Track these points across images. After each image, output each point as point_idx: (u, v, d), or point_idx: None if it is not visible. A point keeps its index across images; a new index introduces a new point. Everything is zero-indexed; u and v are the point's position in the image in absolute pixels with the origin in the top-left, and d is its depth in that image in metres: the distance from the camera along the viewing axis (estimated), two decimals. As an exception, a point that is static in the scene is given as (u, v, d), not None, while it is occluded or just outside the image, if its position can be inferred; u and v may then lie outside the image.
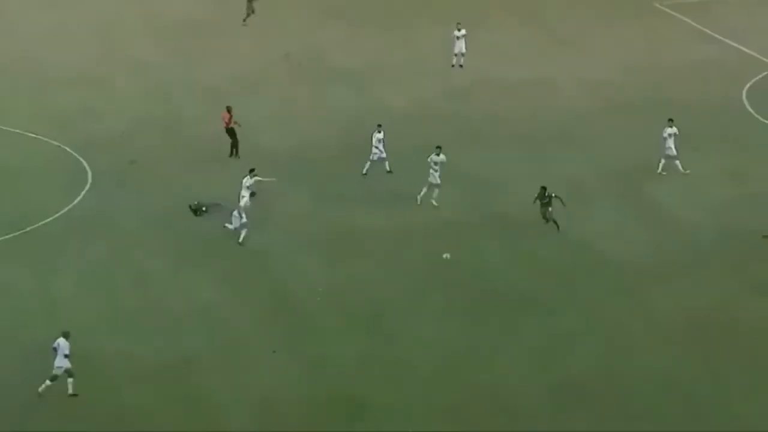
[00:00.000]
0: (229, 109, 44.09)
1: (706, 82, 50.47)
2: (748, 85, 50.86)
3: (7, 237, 38.37)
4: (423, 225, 38.61)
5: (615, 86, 51.51)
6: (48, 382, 30.54)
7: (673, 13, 61.14)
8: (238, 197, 38.50)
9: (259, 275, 36.58)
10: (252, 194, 38.36)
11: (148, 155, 44.81)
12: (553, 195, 37.90)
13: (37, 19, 61.29)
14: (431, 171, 40.16)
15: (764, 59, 53.97)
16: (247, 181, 38.65)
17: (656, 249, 37.61)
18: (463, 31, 53.33)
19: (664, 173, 42.54)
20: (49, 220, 39.45)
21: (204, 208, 40.03)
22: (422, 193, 40.51)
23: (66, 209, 40.23)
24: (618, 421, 29.43)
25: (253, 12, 60.30)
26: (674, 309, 34.43)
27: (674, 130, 42.40)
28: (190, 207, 40.01)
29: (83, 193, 41.46)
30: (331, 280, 36.03)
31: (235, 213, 38.34)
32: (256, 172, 38.92)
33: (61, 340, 30.78)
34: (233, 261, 37.39)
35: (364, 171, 42.98)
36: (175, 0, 64.52)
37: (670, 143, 42.39)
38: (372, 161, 42.96)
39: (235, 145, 44.06)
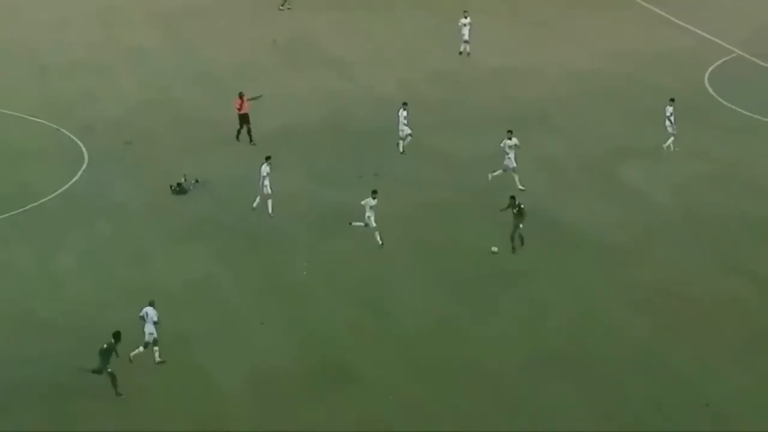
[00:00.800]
0: (241, 95, 43.32)
1: (673, 67, 50.48)
2: (710, 70, 50.97)
3: (6, 215, 38.19)
4: (408, 203, 38.51)
5: (590, 72, 51.46)
6: (140, 349, 30.62)
7: (648, 5, 60.89)
8: (260, 185, 38.07)
9: (251, 251, 36.52)
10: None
11: (143, 138, 44.64)
12: (521, 206, 36.02)
13: (39, 6, 60.78)
14: (505, 156, 39.79)
15: (726, 45, 54.09)
16: (265, 169, 38.19)
17: (627, 225, 37.73)
18: (469, 19, 52.84)
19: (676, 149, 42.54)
20: (46, 199, 39.32)
21: (195, 180, 39.96)
22: (495, 173, 40.16)
23: (63, 189, 40.07)
24: (593, 384, 29.58)
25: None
26: (644, 281, 34.61)
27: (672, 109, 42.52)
28: (171, 187, 39.86)
29: (80, 173, 41.29)
30: (321, 256, 35.92)
31: (258, 201, 38.17)
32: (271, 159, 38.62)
33: (149, 309, 30.96)
34: (225, 238, 37.28)
35: (401, 150, 42.64)
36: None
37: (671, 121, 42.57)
38: (402, 139, 42.80)
39: (249, 131, 43.28)
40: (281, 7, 60.43)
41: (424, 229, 37.41)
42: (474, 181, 40.41)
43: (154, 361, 30.83)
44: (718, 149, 43.22)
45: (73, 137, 44.19)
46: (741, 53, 53.17)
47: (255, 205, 38.49)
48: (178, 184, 39.98)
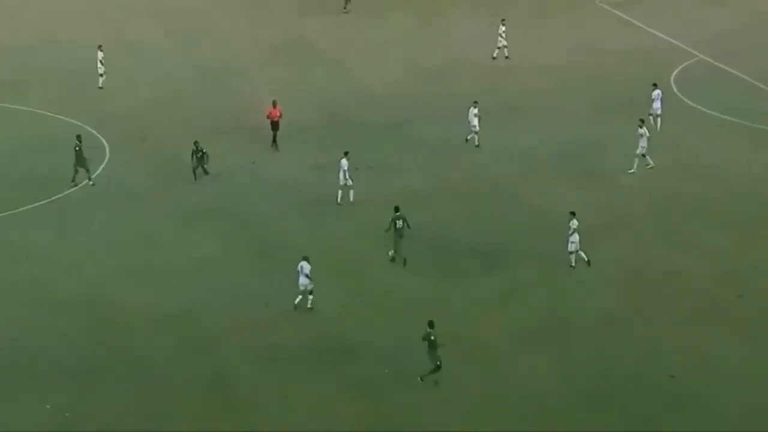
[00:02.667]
0: (275, 104, 42.31)
1: (640, 69, 50.01)
2: (675, 72, 50.63)
3: (37, 204, 37.97)
4: (396, 191, 38.04)
5: (561, 70, 51.15)
6: (300, 297, 31.45)
7: (611, 9, 60.70)
8: (339, 178, 37.66)
9: (253, 235, 36.17)
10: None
11: (156, 131, 44.33)
12: (404, 222, 34.32)
13: (54, 8, 60.68)
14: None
15: (690, 49, 53.72)
16: (345, 164, 37.65)
17: (599, 210, 37.43)
18: (504, 28, 52.19)
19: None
20: (73, 189, 39.03)
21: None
22: (469, 137, 40.57)
23: (86, 181, 39.50)
24: (567, 355, 29.43)
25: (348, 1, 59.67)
26: (614, 261, 34.40)
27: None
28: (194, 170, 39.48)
29: (102, 165, 40.98)
30: (318, 239, 35.66)
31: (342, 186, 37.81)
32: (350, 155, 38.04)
33: (304, 263, 31.41)
34: (231, 223, 36.96)
35: (476, 144, 42.15)
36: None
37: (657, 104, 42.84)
38: (473, 134, 42.27)
39: (275, 137, 42.21)
40: (345, 10, 59.87)
41: (412, 213, 36.66)
42: (456, 169, 40.23)
43: (309, 306, 31.57)
44: (682, 143, 42.89)
45: (95, 132, 43.81)
46: (703, 57, 52.85)
47: (339, 200, 37.81)
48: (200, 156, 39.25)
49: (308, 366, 29.23)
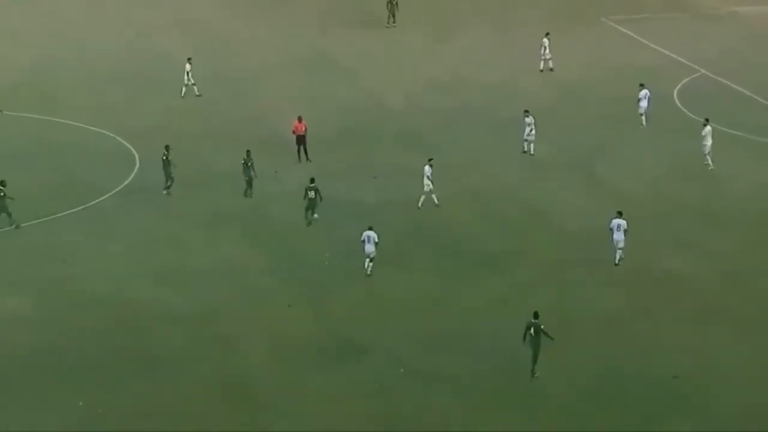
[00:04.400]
0: (300, 119, 42.02)
1: (645, 83, 49.25)
2: (678, 86, 50.29)
3: (73, 210, 38.10)
4: (406, 196, 37.87)
5: (569, 83, 50.81)
6: (367, 261, 32.83)
7: (617, 26, 60.35)
8: (424, 182, 37.58)
9: (274, 238, 36.11)
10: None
11: (183, 139, 43.99)
12: (317, 193, 35.86)
13: (80, 20, 61.03)
14: None
15: (692, 65, 53.31)
16: (428, 170, 37.57)
17: (602, 214, 36.63)
18: (547, 40, 52.19)
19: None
20: (105, 196, 39.07)
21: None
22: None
23: (118, 188, 39.82)
24: (568, 355, 29.10)
25: (393, 15, 59.48)
26: (612, 261, 33.95)
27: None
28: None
29: (132, 175, 41.00)
30: (332, 242, 35.58)
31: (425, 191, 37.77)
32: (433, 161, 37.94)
33: (371, 233, 32.80)
34: (254, 227, 36.89)
35: (532, 152, 42.05)
36: (199, 4, 64.32)
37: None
38: (526, 141, 42.21)
39: (305, 150, 41.80)
40: (387, 25, 59.82)
41: (418, 216, 37.07)
42: (464, 175, 40.00)
43: (368, 273, 32.85)
44: (683, 153, 42.47)
45: (126, 143, 43.84)
46: (705, 72, 52.38)
47: (420, 204, 37.74)
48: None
49: (322, 365, 29.09)
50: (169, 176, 38.93)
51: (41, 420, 27.09)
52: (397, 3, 60.03)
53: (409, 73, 52.44)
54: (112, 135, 44.83)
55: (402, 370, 28.67)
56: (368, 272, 33.07)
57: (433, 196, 37.77)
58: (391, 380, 28.45)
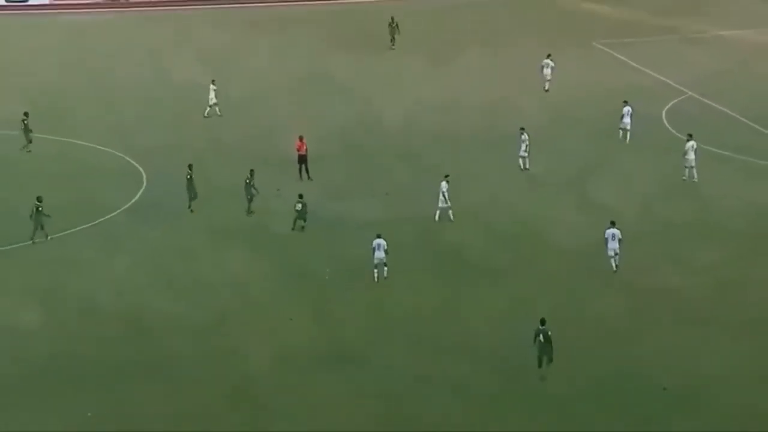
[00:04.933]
0: (301, 138, 42.73)
1: (635, 105, 49.50)
2: (666, 107, 51.10)
3: (84, 226, 38.73)
4: (411, 213, 38.62)
5: (562, 105, 51.68)
6: (376, 272, 34.06)
7: (608, 50, 61.43)
8: (440, 199, 38.44)
9: (277, 252, 36.70)
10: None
11: (189, 158, 44.10)
12: (303, 206, 37.59)
13: (117, 48, 62.04)
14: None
15: (679, 87, 54.16)
16: (444, 186, 38.34)
17: (596, 229, 37.32)
18: (549, 60, 53.41)
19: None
20: (114, 214, 39.73)
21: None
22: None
23: (127, 205, 40.53)
24: (568, 360, 29.53)
25: (394, 38, 60.74)
26: (609, 274, 34.82)
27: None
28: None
29: (140, 192, 41.72)
30: (334, 258, 36.20)
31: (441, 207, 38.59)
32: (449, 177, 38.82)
33: (381, 240, 34.05)
34: (258, 241, 37.49)
35: (527, 167, 42.70)
36: (212, 31, 65.51)
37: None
38: (522, 157, 43.03)
39: (307, 169, 42.45)
40: (392, 47, 61.07)
41: (422, 231, 37.69)
42: (465, 192, 40.44)
43: (382, 277, 34.05)
44: (673, 173, 43.25)
45: (134, 162, 44.61)
46: (692, 94, 53.28)
47: (437, 218, 38.47)
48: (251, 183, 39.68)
49: (324, 371, 29.62)
50: (192, 194, 39.72)
51: (50, 426, 27.68)
52: (397, 25, 61.23)
53: (409, 94, 53.19)
54: (120, 154, 45.54)
55: (403, 382, 29.17)
56: (384, 276, 34.14)
57: (450, 212, 38.62)
58: (391, 385, 29.00)
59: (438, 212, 38.67)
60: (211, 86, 50.07)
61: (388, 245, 34.05)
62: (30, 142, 45.65)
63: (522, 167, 43.43)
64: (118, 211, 40.16)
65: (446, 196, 38.33)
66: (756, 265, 35.86)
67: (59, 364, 30.28)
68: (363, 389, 28.99)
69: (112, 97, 53.01)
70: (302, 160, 42.59)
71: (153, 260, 36.49)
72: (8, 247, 37.34)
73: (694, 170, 42.43)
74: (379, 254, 34.12)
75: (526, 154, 43.28)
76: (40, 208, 37.40)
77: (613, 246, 34.63)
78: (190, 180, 39.85)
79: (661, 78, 56.16)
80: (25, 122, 45.64)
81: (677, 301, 33.38)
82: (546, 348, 28.58)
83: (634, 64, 58.73)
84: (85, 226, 38.76)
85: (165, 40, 64.02)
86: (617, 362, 29.94)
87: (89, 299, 33.71)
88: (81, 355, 30.67)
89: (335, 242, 37.40)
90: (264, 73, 56.28)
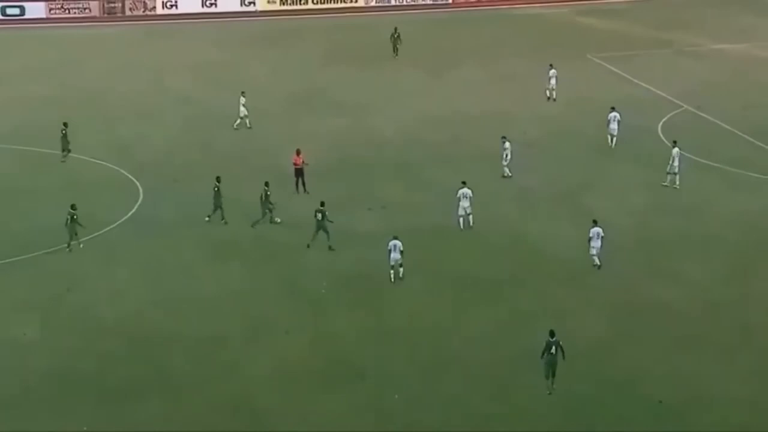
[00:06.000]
0: (298, 152, 42.85)
1: (631, 118, 50.22)
2: (662, 121, 51.28)
3: (80, 240, 38.44)
4: (406, 226, 38.47)
5: (557, 117, 51.99)
6: (392, 272, 34.75)
7: (603, 63, 61.81)
8: (458, 207, 38.98)
9: (276, 267, 36.71)
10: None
11: (187, 173, 45.08)
12: (323, 216, 37.22)
13: (116, 62, 62.31)
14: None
15: (675, 101, 54.38)
16: (462, 193, 38.94)
17: (585, 245, 37.43)
18: (554, 71, 54.34)
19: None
20: (110, 227, 39.66)
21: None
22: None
23: (123, 219, 40.52)
24: (560, 376, 29.51)
25: (396, 48, 62.13)
26: (603, 290, 34.87)
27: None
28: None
29: (136, 206, 41.70)
30: (332, 272, 36.21)
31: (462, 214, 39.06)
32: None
33: (397, 242, 34.75)
34: (256, 256, 37.46)
35: (510, 174, 43.37)
36: (213, 46, 65.84)
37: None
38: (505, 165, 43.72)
39: (303, 182, 42.51)
40: (396, 55, 62.27)
41: (417, 244, 37.42)
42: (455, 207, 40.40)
43: (398, 278, 34.77)
44: (668, 185, 43.47)
45: (130, 176, 44.63)
46: (688, 107, 53.50)
47: (461, 225, 39.01)
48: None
49: (324, 388, 29.59)
50: (217, 206, 39.81)
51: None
52: (399, 36, 62.32)
53: (407, 107, 53.54)
54: (116, 168, 45.62)
55: (396, 396, 29.17)
56: (400, 276, 34.85)
57: (470, 217, 39.10)
58: (390, 401, 29.03)
59: (461, 219, 39.17)
60: (241, 98, 50.29)
61: (403, 246, 34.75)
62: (69, 152, 45.99)
63: (504, 175, 43.72)
64: (115, 224, 40.14)
65: (466, 205, 38.80)
66: (749, 279, 35.93)
67: (57, 377, 30.25)
68: (362, 405, 29.00)
69: (108, 111, 53.17)
70: (299, 173, 42.74)
71: (150, 274, 36.43)
72: (5, 261, 37.26)
73: (677, 177, 42.95)
74: (395, 255, 34.73)
75: (507, 161, 43.80)
76: (75, 216, 37.66)
77: (596, 245, 35.54)
78: (217, 192, 39.90)
79: (657, 91, 56.47)
80: (64, 132, 45.98)
81: (668, 315, 33.42)
82: (555, 361, 28.60)
83: (630, 78, 59.07)
84: (80, 241, 38.55)
85: (162, 53, 64.45)
86: (606, 382, 29.90)
87: (87, 314, 33.70)
88: (78, 369, 30.64)
89: (333, 255, 37.42)
90: (263, 88, 56.41)
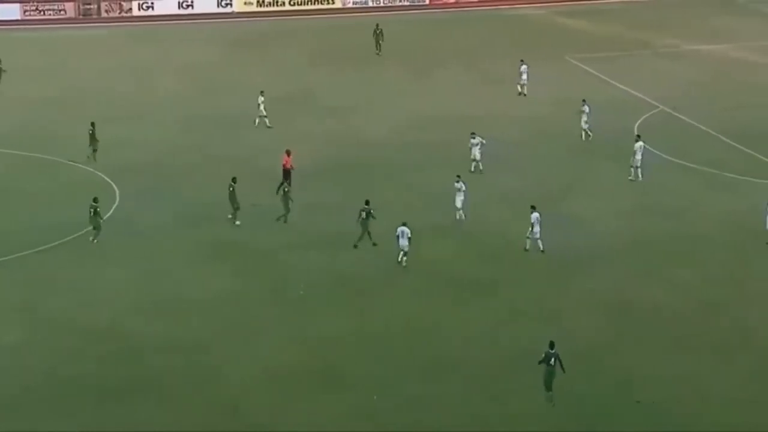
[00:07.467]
0: (288, 153, 42.61)
1: (608, 119, 50.56)
2: (639, 121, 51.45)
3: (54, 244, 38.03)
4: (390, 228, 38.05)
5: (538, 119, 52.06)
6: (401, 254, 35.45)
7: (581, 64, 61.98)
8: (457, 198, 39.37)
9: (260, 270, 36.37)
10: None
11: (167, 174, 44.82)
12: (368, 214, 37.44)
13: (87, 65, 61.98)
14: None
15: (652, 101, 54.66)
16: (456, 186, 39.50)
17: (573, 246, 37.95)
18: (525, 67, 55.21)
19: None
20: (86, 230, 38.85)
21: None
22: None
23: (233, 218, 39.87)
24: (561, 377, 29.20)
25: (379, 45, 62.74)
26: (589, 291, 34.95)
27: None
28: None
29: (112, 209, 41.24)
30: (318, 272, 36.07)
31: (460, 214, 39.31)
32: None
33: (404, 228, 35.33)
34: (239, 258, 37.14)
35: (481, 169, 44.20)
36: (193, 47, 65.74)
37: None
38: (475, 161, 44.37)
39: (289, 183, 41.79)
40: (378, 53, 62.81)
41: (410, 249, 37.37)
42: (445, 209, 40.56)
43: (398, 260, 35.41)
44: (647, 186, 43.59)
45: (108, 179, 44.24)
46: (664, 108, 53.75)
47: (460, 217, 39.52)
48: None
49: (309, 392, 29.34)
50: (234, 206, 39.62)
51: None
52: (381, 32, 63.02)
53: (394, 108, 53.60)
54: (92, 170, 45.17)
55: (375, 397, 28.99)
56: (403, 264, 35.32)
57: (461, 212, 39.57)
58: (379, 404, 28.84)
59: (457, 213, 39.50)
60: (260, 97, 50.28)
61: (411, 233, 35.29)
62: (95, 150, 45.92)
63: (473, 170, 44.06)
64: (90, 228, 39.34)
65: (465, 195, 39.33)
66: (741, 279, 36.07)
67: (41, 383, 29.90)
68: (352, 409, 28.71)
69: (86, 113, 52.33)
70: (286, 175, 42.47)
71: (130, 278, 36.00)
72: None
73: (640, 170, 43.66)
74: (403, 242, 35.30)
75: (479, 157, 44.33)
76: (97, 209, 37.73)
77: (537, 229, 36.71)
78: (232, 192, 39.64)
79: (634, 92, 56.68)
80: (91, 132, 45.94)
81: (662, 316, 33.42)
82: (553, 372, 28.27)
83: (607, 79, 59.24)
84: (55, 243, 38.19)
85: (142, 55, 63.86)
86: (599, 384, 29.85)
87: (67, 317, 33.38)
88: (63, 374, 30.30)
89: (320, 258, 37.17)
90: (248, 88, 55.71)
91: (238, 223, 39.76)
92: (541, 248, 37.11)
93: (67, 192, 43.23)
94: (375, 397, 28.96)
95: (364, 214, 37.42)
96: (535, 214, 37.04)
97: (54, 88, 57.33)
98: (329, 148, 47.98)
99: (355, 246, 37.22)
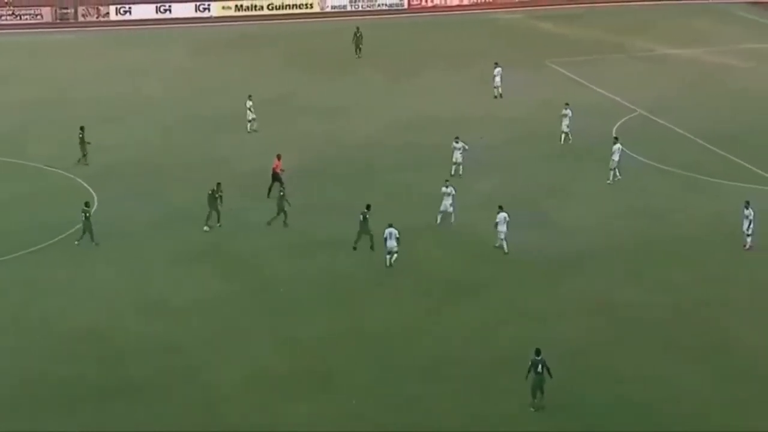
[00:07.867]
0: (279, 157, 42.53)
1: (588, 122, 50.74)
2: (617, 125, 51.71)
3: (34, 248, 38.04)
4: (377, 230, 37.95)
5: (519, 121, 52.31)
6: (388, 257, 35.55)
7: (560, 69, 62.19)
8: (443, 204, 39.52)
9: (243, 272, 36.28)
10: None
11: (147, 177, 44.82)
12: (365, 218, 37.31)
13: (70, 68, 61.82)
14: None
15: (630, 105, 54.95)
16: (444, 190, 39.56)
17: (559, 249, 38.05)
18: (499, 69, 55.49)
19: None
20: (65, 235, 38.85)
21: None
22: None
23: (77, 227, 39.30)
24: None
25: (359, 48, 63.26)
26: (572, 292, 35.06)
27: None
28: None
29: (93, 208, 40.52)
30: (300, 274, 36.05)
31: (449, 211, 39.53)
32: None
33: (392, 230, 35.37)
34: (221, 261, 37.09)
35: (461, 173, 44.23)
36: (175, 51, 65.74)
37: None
38: (456, 164, 44.57)
39: (280, 185, 41.54)
40: (358, 56, 63.27)
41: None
42: (431, 210, 40.44)
43: (387, 264, 35.60)
44: (625, 189, 43.89)
45: (84, 183, 44.06)
46: (642, 111, 54.00)
47: (438, 220, 39.47)
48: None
49: (293, 394, 29.31)
50: (215, 211, 39.34)
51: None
52: (361, 36, 63.43)
53: (376, 111, 53.74)
54: (71, 176, 44.90)
55: (354, 401, 28.97)
56: (391, 264, 35.50)
57: (452, 216, 39.63)
58: (364, 407, 28.84)
59: (440, 216, 39.36)
60: (248, 102, 50.12)
61: (399, 234, 35.35)
62: (85, 155, 45.74)
63: (452, 173, 44.12)
64: (69, 232, 39.27)
65: (448, 203, 39.29)
66: (726, 280, 36.28)
67: (24, 385, 29.83)
68: (337, 411, 28.66)
69: (64, 117, 52.25)
70: (275, 178, 42.30)
71: (112, 281, 35.91)
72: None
73: (617, 171, 44.18)
74: (391, 243, 35.35)
75: (461, 161, 44.52)
76: (88, 215, 37.51)
77: (503, 229, 36.96)
78: (211, 196, 39.40)
79: (612, 96, 57.01)
80: (81, 136, 45.71)
81: (648, 318, 33.50)
82: (540, 380, 28.15)
83: (586, 83, 59.53)
84: (36, 248, 38.12)
85: (121, 59, 63.56)
86: (582, 387, 29.91)
87: (49, 320, 33.33)
88: (45, 376, 30.22)
89: (302, 261, 37.13)
90: (230, 92, 55.89)
91: (206, 228, 39.46)
92: (506, 250, 37.10)
93: (44, 198, 43.10)
94: (354, 401, 28.97)
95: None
96: (502, 214, 36.95)
97: (31, 93, 56.99)
98: (314, 151, 48.02)
99: (354, 248, 37.41)
